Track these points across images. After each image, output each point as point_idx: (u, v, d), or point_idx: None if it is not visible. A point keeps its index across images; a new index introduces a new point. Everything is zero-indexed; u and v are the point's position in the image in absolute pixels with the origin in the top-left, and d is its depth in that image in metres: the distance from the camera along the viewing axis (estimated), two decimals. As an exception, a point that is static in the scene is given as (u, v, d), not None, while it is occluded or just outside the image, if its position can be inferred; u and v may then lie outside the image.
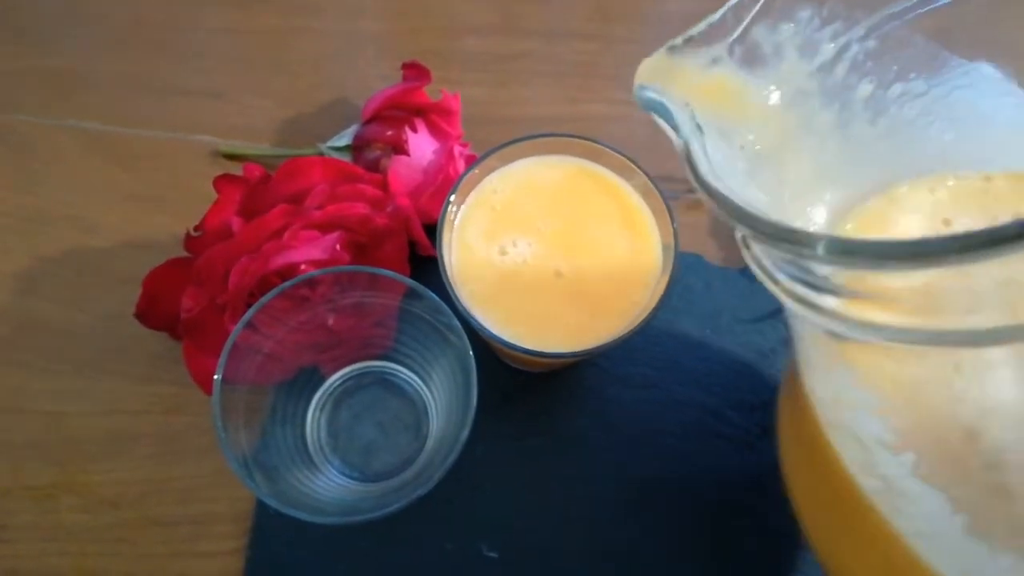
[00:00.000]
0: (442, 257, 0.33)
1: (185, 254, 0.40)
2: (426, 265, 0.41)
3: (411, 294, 0.34)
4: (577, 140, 0.35)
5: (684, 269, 0.43)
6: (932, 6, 0.25)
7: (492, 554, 0.38)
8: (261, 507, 0.39)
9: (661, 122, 0.24)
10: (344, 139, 0.44)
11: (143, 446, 0.40)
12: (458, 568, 0.38)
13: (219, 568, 0.38)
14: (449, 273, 0.33)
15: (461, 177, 0.33)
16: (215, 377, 0.31)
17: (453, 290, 0.32)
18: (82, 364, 0.42)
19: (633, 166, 0.35)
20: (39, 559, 0.38)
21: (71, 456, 0.40)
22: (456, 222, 0.34)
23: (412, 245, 0.41)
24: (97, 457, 0.40)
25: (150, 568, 0.38)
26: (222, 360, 0.31)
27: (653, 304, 0.33)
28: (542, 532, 0.39)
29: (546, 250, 0.34)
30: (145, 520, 0.39)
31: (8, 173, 0.46)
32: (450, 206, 0.33)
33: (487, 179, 0.35)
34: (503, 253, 0.34)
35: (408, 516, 0.39)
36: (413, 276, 0.34)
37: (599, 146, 0.35)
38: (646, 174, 0.34)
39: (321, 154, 0.43)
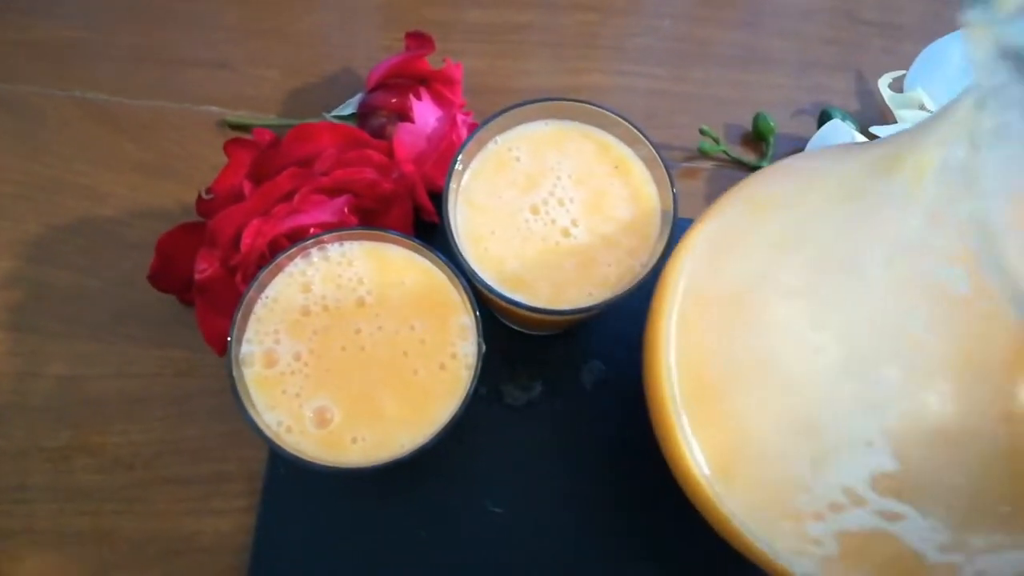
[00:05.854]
0: (447, 217, 0.33)
1: (195, 220, 0.41)
2: (430, 233, 0.42)
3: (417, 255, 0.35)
4: (586, 107, 0.36)
5: (681, 234, 0.44)
6: None
7: (497, 509, 0.39)
8: (272, 466, 0.40)
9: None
10: (349, 108, 0.44)
11: (155, 408, 0.41)
12: (464, 523, 0.39)
13: (231, 525, 0.39)
14: (456, 233, 0.34)
15: (470, 136, 0.34)
16: (228, 338, 0.32)
17: (459, 249, 0.33)
18: (95, 328, 0.43)
19: (640, 135, 0.36)
20: (56, 518, 0.39)
21: (85, 418, 0.41)
22: (464, 182, 0.35)
23: (416, 212, 0.42)
24: (111, 419, 0.41)
25: (164, 526, 0.39)
26: (235, 320, 0.32)
27: (651, 266, 0.34)
28: (545, 488, 0.40)
29: (558, 212, 0.35)
30: (159, 479, 0.40)
31: (18, 143, 0.47)
32: (457, 165, 0.34)
33: (501, 139, 0.36)
34: (535, 211, 0.35)
35: (413, 474, 0.40)
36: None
37: (607, 114, 0.36)
38: (651, 144, 0.35)
39: (326, 123, 0.44)
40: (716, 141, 0.48)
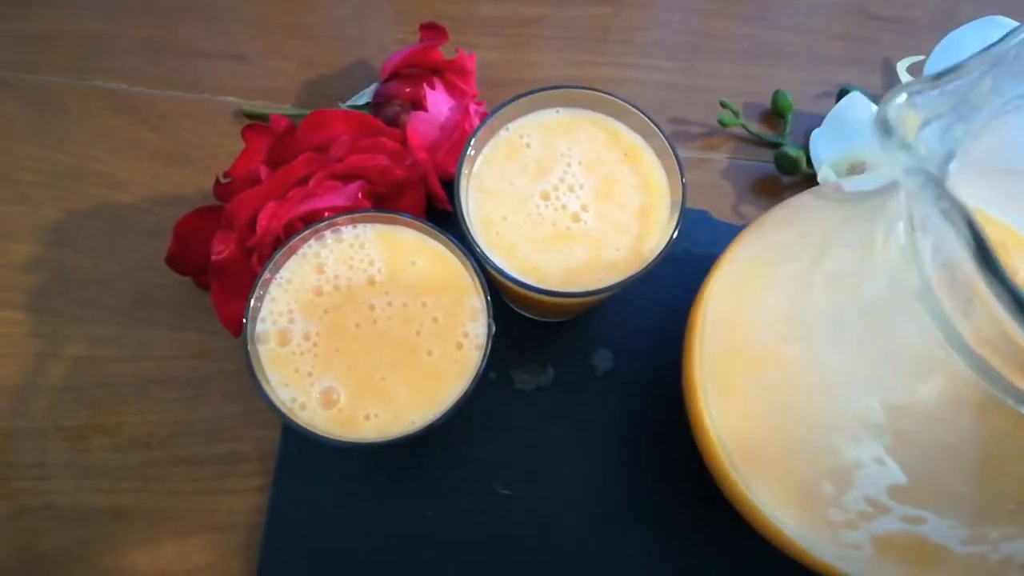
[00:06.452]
0: (459, 202, 0.34)
1: (212, 204, 0.42)
2: (442, 221, 0.43)
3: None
4: (597, 95, 0.36)
5: (690, 224, 0.45)
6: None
7: (505, 491, 0.40)
8: (284, 446, 0.40)
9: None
10: (363, 98, 0.45)
11: (171, 389, 0.42)
12: (474, 504, 0.40)
13: (244, 504, 0.40)
14: (467, 219, 0.34)
15: (482, 123, 0.34)
16: (243, 317, 0.33)
17: (471, 234, 0.34)
18: (113, 312, 0.44)
19: (650, 124, 0.36)
20: (73, 495, 0.40)
21: (103, 399, 0.42)
22: (476, 168, 0.36)
23: (429, 200, 0.43)
24: (128, 400, 0.42)
25: (179, 504, 0.40)
26: (250, 299, 0.33)
27: (659, 252, 0.34)
28: (552, 471, 0.40)
29: (568, 198, 0.36)
30: (174, 459, 0.41)
31: (39, 131, 0.48)
32: (469, 151, 0.35)
33: (512, 126, 0.37)
34: (545, 197, 0.36)
35: (423, 456, 0.41)
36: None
37: (617, 102, 0.36)
38: (663, 135, 0.36)
39: (341, 112, 0.45)
40: (736, 114, 0.48)
